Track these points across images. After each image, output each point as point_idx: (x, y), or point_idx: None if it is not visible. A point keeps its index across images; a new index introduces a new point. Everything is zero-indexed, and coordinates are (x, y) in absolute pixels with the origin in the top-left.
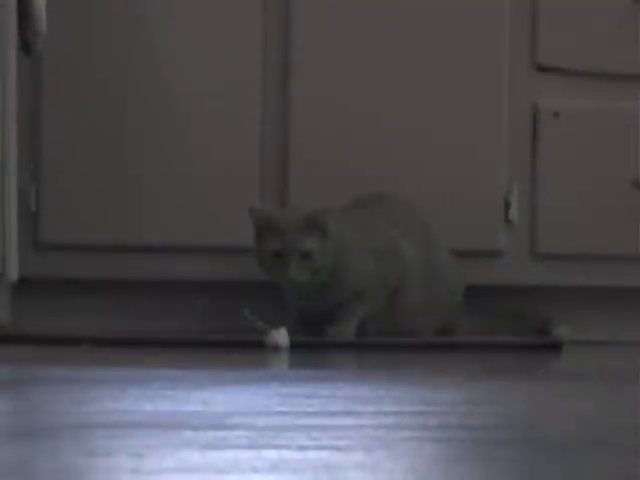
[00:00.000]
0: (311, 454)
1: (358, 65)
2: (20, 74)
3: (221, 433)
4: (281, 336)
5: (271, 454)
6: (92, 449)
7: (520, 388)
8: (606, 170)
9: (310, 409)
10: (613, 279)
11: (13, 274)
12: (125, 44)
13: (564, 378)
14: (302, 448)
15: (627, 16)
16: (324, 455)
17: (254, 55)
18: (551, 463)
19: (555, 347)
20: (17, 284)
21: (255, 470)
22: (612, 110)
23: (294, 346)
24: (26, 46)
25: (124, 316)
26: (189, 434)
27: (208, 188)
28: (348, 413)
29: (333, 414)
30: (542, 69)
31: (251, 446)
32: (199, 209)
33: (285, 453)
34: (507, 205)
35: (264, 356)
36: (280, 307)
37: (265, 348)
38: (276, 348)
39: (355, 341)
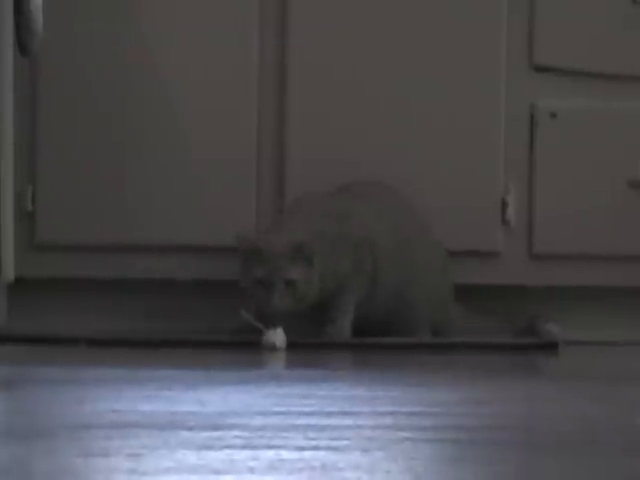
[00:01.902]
0: (308, 454)
1: (355, 66)
2: (17, 74)
3: (217, 433)
4: (278, 336)
5: (267, 454)
6: (89, 449)
7: (516, 389)
8: (603, 171)
9: (307, 409)
10: (610, 279)
11: (9, 274)
12: (123, 44)
13: (560, 379)
14: (299, 448)
15: (625, 16)
16: (321, 455)
17: (251, 56)
18: (547, 463)
19: (551, 347)
20: (13, 284)
21: (251, 470)
22: (609, 110)
23: (291, 346)
24: (22, 46)
25: (120, 316)
26: (185, 434)
27: (205, 188)
28: (345, 413)
29: (330, 414)
30: (539, 69)
31: (247, 446)
32: (196, 209)
33: (282, 453)
34: (504, 206)
35: (261, 356)
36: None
37: (262, 348)
38: (273, 348)
39: (351, 341)
